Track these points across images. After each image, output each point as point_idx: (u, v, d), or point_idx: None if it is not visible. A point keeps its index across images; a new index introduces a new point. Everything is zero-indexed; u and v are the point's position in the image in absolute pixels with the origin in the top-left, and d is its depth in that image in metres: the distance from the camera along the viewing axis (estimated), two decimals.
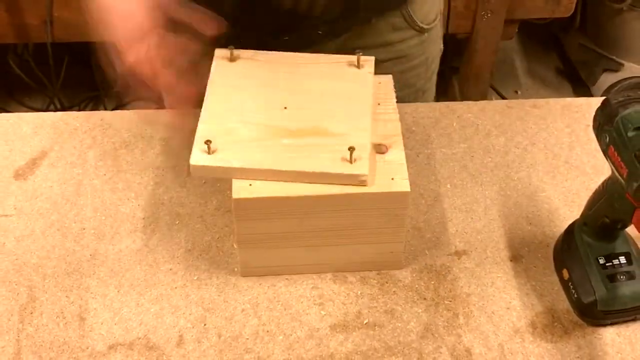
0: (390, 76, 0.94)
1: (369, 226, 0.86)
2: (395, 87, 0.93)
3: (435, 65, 1.20)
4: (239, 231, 0.85)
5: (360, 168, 0.81)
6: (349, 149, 0.81)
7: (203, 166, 0.81)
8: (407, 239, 0.93)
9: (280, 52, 0.94)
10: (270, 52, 0.94)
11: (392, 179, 0.82)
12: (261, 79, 0.90)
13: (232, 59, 0.92)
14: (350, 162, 0.81)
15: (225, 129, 0.84)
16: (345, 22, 1.02)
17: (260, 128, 0.85)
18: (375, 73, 0.92)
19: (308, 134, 0.84)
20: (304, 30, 1.01)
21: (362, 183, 0.81)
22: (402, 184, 0.81)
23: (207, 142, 0.81)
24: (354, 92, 0.88)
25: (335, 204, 0.83)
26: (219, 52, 0.93)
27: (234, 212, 0.82)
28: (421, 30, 1.10)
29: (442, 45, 1.20)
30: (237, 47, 0.93)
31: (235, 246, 0.92)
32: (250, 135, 0.84)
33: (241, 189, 0.81)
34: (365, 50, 0.94)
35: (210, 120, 0.85)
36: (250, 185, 0.81)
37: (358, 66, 0.92)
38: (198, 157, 0.82)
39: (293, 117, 0.86)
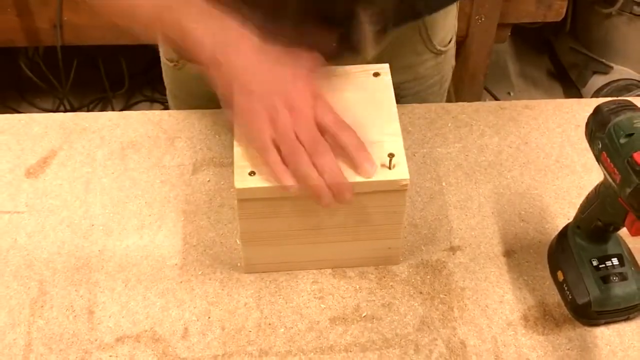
0: (386, 66, 0.92)
1: (368, 223, 0.85)
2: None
3: (447, 83, 1.20)
4: (242, 229, 0.85)
5: (400, 173, 0.81)
6: (388, 155, 0.80)
7: (248, 188, 0.80)
8: (404, 235, 0.93)
9: None
10: None
11: (392, 178, 0.82)
12: None
13: None
14: (390, 168, 0.81)
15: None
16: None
17: None
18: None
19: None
20: (319, 40, 0.98)
21: (404, 187, 0.81)
22: (400, 182, 0.81)
23: (248, 164, 0.80)
24: (376, 100, 0.87)
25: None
26: None
27: (237, 202, 0.82)
28: (438, 53, 1.10)
29: (454, 62, 1.19)
30: None
31: (238, 242, 0.92)
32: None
33: (243, 180, 0.80)
34: None
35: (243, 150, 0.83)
36: (252, 175, 0.80)
37: (375, 74, 0.91)
38: (241, 180, 0.80)
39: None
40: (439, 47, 1.10)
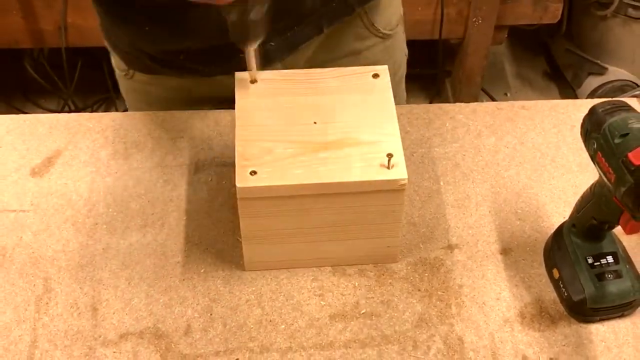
0: (386, 67, 0.92)
1: (367, 222, 0.86)
2: None
3: (402, 70, 1.17)
4: (244, 228, 0.85)
5: (399, 173, 0.81)
6: (387, 155, 0.81)
7: (249, 187, 0.80)
8: (403, 233, 0.93)
9: (296, 70, 0.92)
10: (285, 70, 0.92)
11: (390, 177, 0.82)
12: (285, 96, 0.89)
13: (252, 80, 0.90)
14: (388, 167, 0.81)
15: (262, 148, 0.83)
16: (295, 33, 0.97)
17: (295, 144, 0.83)
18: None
19: (341, 145, 0.83)
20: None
21: (402, 187, 0.81)
22: (399, 182, 0.81)
23: (249, 163, 0.81)
24: (375, 101, 0.88)
25: (335, 200, 0.82)
26: (239, 75, 0.90)
27: (238, 201, 0.82)
28: (384, 37, 1.08)
29: (406, 49, 1.17)
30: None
31: (239, 239, 0.92)
32: (286, 152, 0.82)
33: (244, 179, 0.80)
34: (334, 62, 0.92)
35: (246, 142, 0.84)
36: (253, 174, 0.81)
37: (374, 76, 0.91)
38: (243, 179, 0.80)
39: (324, 131, 0.85)
40: (384, 31, 1.08)
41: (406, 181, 0.81)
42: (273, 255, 0.89)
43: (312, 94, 0.89)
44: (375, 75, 0.91)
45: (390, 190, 0.82)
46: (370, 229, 0.86)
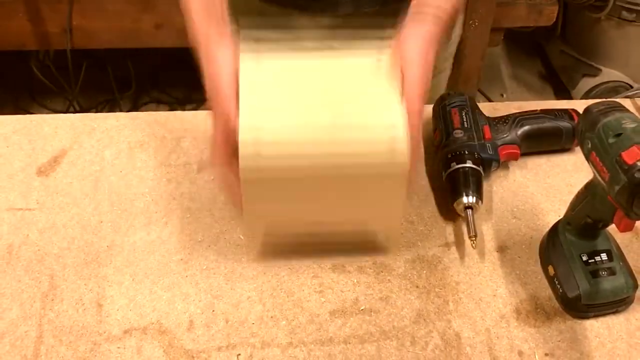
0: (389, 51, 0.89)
1: (367, 205, 0.84)
2: None
3: (453, 47, 1.16)
4: (246, 210, 0.82)
5: (401, 156, 0.79)
6: (390, 138, 0.79)
7: (253, 168, 0.78)
8: (401, 231, 0.93)
9: (303, 53, 0.88)
10: (295, 48, 0.88)
11: (393, 160, 0.80)
12: (290, 77, 0.85)
13: (257, 50, 0.86)
14: (392, 151, 0.79)
15: (266, 129, 0.80)
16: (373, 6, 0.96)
17: (299, 126, 0.81)
18: None
19: (346, 128, 0.81)
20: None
21: (404, 170, 0.80)
22: (402, 165, 0.79)
23: (254, 141, 0.79)
24: (382, 85, 0.85)
25: (338, 183, 0.81)
26: (244, 46, 0.86)
27: (241, 183, 0.79)
28: None
29: (459, 30, 1.16)
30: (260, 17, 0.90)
31: (242, 237, 0.92)
32: (290, 133, 0.80)
33: (248, 159, 0.78)
34: (392, 27, 0.89)
35: (249, 123, 0.81)
36: (257, 156, 0.78)
37: (378, 60, 0.88)
38: (246, 159, 0.78)
39: (330, 114, 0.82)
40: None
41: (408, 165, 0.79)
42: (275, 238, 0.88)
43: (317, 78, 0.86)
44: (380, 60, 0.88)
45: (392, 173, 0.80)
46: (371, 212, 0.85)
